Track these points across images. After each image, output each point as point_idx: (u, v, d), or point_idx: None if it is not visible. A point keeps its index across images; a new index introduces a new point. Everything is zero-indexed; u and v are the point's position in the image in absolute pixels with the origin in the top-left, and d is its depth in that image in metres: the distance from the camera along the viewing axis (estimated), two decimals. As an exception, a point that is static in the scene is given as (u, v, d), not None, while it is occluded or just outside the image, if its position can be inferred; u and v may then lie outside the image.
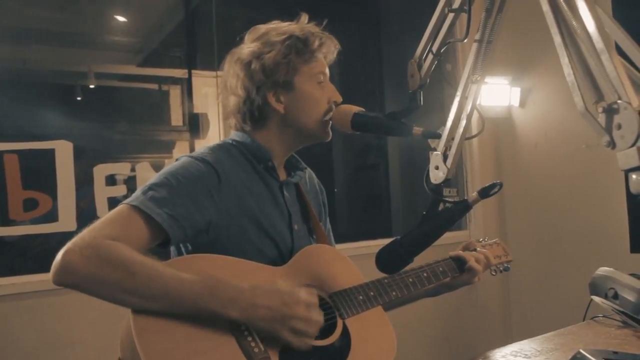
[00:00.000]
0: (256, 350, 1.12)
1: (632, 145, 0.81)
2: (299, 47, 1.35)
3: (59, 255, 1.06)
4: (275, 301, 1.13)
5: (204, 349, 1.09)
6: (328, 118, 1.39)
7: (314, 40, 1.37)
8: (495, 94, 3.53)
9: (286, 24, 1.41)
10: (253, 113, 1.37)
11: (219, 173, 1.28)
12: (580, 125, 3.12)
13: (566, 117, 3.27)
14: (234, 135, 1.43)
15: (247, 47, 1.38)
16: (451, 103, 1.19)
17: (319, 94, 1.39)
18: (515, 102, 3.57)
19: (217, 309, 1.10)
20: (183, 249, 1.32)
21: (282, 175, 1.44)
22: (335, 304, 1.31)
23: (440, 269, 1.53)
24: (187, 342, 1.09)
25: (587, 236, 3.18)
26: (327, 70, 1.42)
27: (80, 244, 1.08)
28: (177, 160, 1.32)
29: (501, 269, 1.70)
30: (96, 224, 1.13)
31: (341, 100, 1.42)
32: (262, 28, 1.41)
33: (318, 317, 1.17)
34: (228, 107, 1.42)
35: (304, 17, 1.41)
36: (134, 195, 1.19)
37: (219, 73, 3.08)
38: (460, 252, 1.60)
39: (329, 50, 1.41)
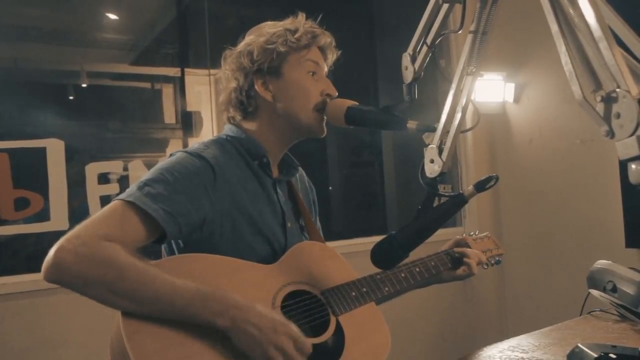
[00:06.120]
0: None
1: (632, 134, 0.79)
2: (287, 36, 1.36)
3: (52, 252, 1.04)
4: (267, 325, 1.09)
5: (195, 352, 1.08)
6: (320, 110, 1.38)
7: (303, 30, 1.38)
8: (490, 89, 3.52)
9: (284, 21, 1.42)
10: (243, 101, 1.38)
11: (215, 169, 1.26)
12: (574, 120, 3.15)
13: (561, 112, 3.27)
14: (228, 130, 1.42)
15: (243, 42, 1.40)
16: (445, 98, 1.17)
17: (309, 84, 1.38)
18: (510, 98, 3.56)
19: (207, 317, 1.08)
20: (174, 246, 1.30)
21: (275, 173, 1.43)
22: (327, 300, 1.30)
23: (432, 263, 1.54)
24: (178, 345, 1.07)
25: (583, 231, 3.18)
26: (322, 64, 1.42)
27: (75, 242, 1.05)
28: (171, 155, 1.30)
29: (492, 262, 1.70)
30: (91, 221, 1.11)
31: (336, 94, 1.41)
32: (261, 25, 1.43)
33: (299, 358, 1.12)
34: (224, 100, 1.44)
35: (301, 16, 1.41)
36: (129, 190, 1.17)
37: (211, 71, 3.07)
38: (460, 249, 1.60)
39: (322, 42, 1.41)
